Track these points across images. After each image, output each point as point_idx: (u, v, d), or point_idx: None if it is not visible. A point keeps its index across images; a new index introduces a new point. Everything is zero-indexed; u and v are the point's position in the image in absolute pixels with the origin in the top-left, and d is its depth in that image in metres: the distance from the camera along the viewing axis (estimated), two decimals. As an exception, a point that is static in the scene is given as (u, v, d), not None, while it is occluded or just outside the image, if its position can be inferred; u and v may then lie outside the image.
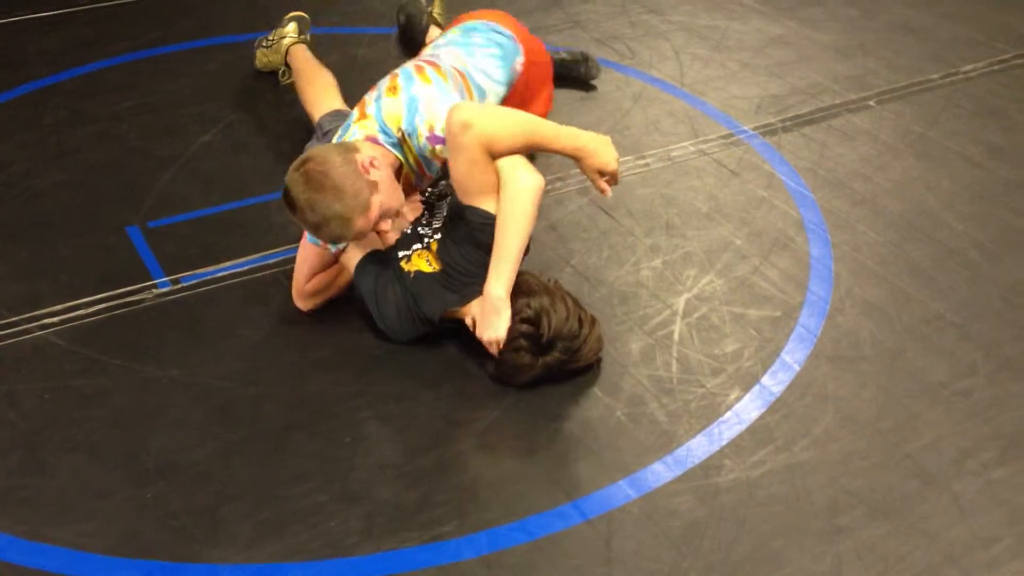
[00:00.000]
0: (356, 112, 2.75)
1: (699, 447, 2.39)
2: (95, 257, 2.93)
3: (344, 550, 2.13)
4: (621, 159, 3.41)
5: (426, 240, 2.65)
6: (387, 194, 2.53)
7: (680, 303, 2.84)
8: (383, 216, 2.54)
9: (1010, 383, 2.61)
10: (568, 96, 3.86)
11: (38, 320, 2.69)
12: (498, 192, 2.52)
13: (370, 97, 2.77)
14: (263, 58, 3.87)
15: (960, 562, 2.15)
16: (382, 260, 2.65)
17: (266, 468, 2.31)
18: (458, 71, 2.82)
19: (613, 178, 2.59)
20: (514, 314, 2.49)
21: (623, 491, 2.28)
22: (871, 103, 3.89)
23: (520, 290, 2.53)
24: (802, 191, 3.32)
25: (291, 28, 3.80)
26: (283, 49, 3.78)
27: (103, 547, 2.11)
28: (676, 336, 2.72)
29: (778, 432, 2.44)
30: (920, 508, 2.27)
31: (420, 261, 2.59)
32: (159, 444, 2.35)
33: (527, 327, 2.46)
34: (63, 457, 2.31)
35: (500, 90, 2.95)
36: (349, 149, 2.55)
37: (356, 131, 2.69)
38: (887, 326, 2.78)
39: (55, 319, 2.69)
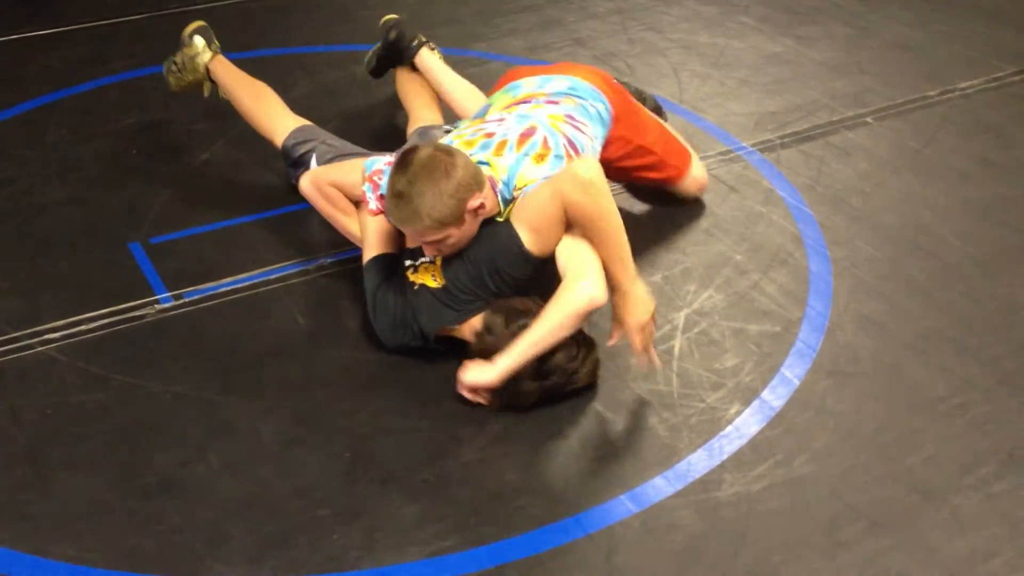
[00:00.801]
0: (489, 143, 2.68)
1: (700, 461, 2.40)
2: (97, 273, 2.94)
3: (346, 565, 2.13)
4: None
5: (423, 259, 2.62)
6: (461, 237, 2.50)
7: (680, 318, 2.85)
8: (441, 249, 2.52)
9: (1008, 398, 2.62)
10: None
11: (40, 336, 2.70)
12: (551, 241, 2.52)
13: (506, 136, 2.68)
14: (178, 82, 3.54)
15: (960, 576, 2.17)
16: (391, 264, 2.65)
17: (268, 483, 2.31)
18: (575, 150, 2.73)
19: (638, 337, 2.52)
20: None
21: (624, 506, 2.28)
22: (868, 120, 3.91)
23: (518, 314, 2.51)
24: (801, 207, 3.34)
25: (199, 43, 3.52)
26: (201, 67, 3.48)
27: (105, 562, 2.11)
28: (676, 351, 2.73)
29: (778, 446, 2.44)
30: (920, 522, 2.27)
31: (426, 275, 2.59)
32: (161, 459, 2.36)
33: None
34: (65, 472, 2.31)
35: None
36: (480, 183, 2.49)
37: (485, 164, 2.61)
38: (886, 341, 2.79)
39: (57, 335, 2.70)
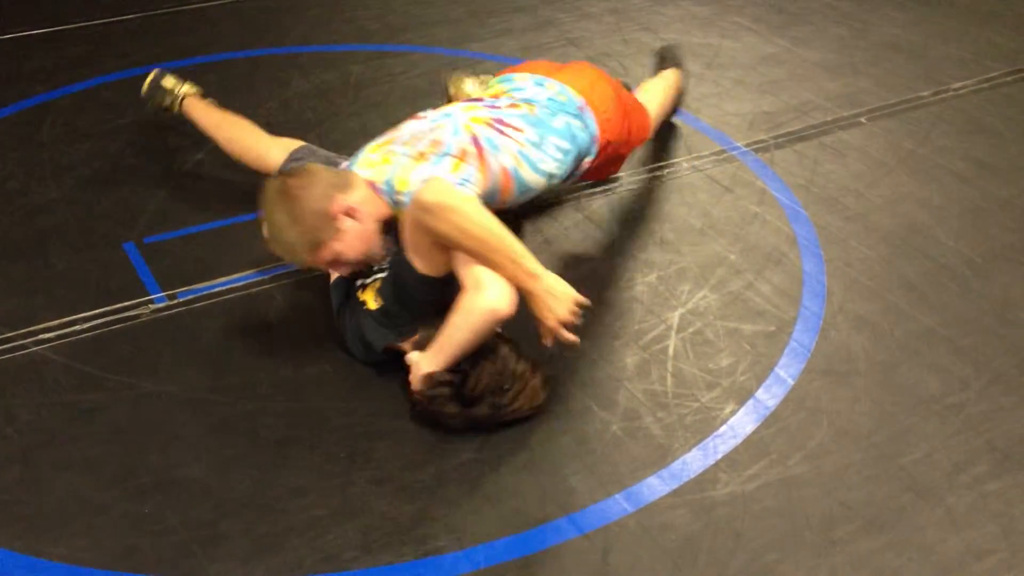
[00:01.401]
0: (385, 141, 2.64)
1: (694, 461, 2.41)
2: (91, 273, 2.93)
3: (341, 564, 2.13)
4: (615, 176, 3.45)
5: (375, 276, 2.58)
6: (349, 245, 2.47)
7: (675, 318, 2.85)
8: (337, 262, 2.52)
9: (1001, 397, 2.63)
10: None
11: (34, 336, 2.69)
12: (437, 261, 2.42)
13: (403, 137, 2.61)
14: (158, 89, 3.47)
15: (954, 574, 2.17)
16: (349, 282, 2.64)
17: (263, 483, 2.31)
18: (506, 172, 2.58)
19: (550, 334, 2.41)
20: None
21: (619, 505, 2.29)
22: (862, 120, 3.92)
23: None
24: (795, 207, 3.34)
25: (170, 83, 3.46)
26: (179, 95, 3.44)
27: (100, 562, 2.11)
28: (671, 351, 2.73)
29: (773, 446, 2.45)
30: (914, 521, 2.28)
31: (369, 295, 2.55)
32: (156, 459, 2.35)
33: (450, 377, 2.39)
34: (60, 472, 2.31)
35: (545, 183, 2.71)
36: (340, 186, 2.48)
37: (365, 169, 2.58)
38: (880, 341, 2.79)
39: (51, 334, 2.70)
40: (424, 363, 2.42)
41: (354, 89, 4.00)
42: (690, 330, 2.81)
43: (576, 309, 2.39)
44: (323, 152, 2.94)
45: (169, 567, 2.11)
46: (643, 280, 2.99)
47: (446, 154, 2.50)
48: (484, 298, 2.32)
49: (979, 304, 2.95)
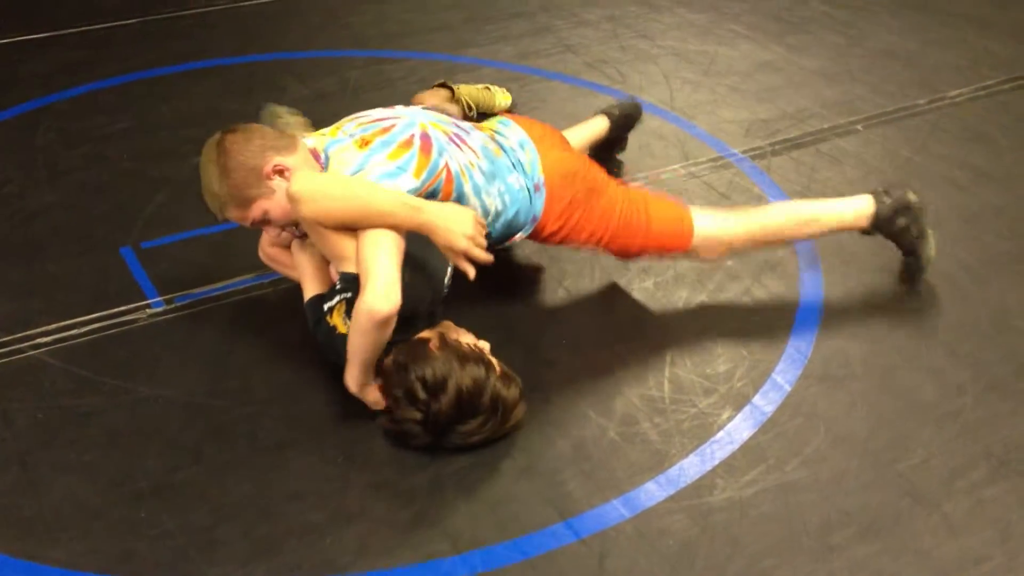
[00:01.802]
0: (350, 118, 2.65)
1: (691, 466, 2.41)
2: (89, 277, 2.93)
3: (339, 568, 2.13)
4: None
5: (340, 297, 2.50)
6: (278, 206, 2.47)
7: (672, 324, 2.85)
8: (266, 223, 2.53)
9: (999, 403, 2.63)
10: (557, 120, 3.89)
11: (31, 340, 2.69)
12: (349, 256, 2.41)
13: (364, 118, 2.62)
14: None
15: (951, 580, 2.17)
16: (320, 303, 2.57)
17: (261, 487, 2.31)
18: (450, 173, 2.55)
19: (469, 255, 2.39)
20: (404, 395, 2.36)
21: (616, 510, 2.29)
22: (858, 127, 3.93)
23: (416, 362, 2.37)
24: (791, 214, 3.35)
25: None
26: None
27: (98, 566, 2.11)
28: (668, 357, 2.74)
29: (770, 452, 2.45)
30: (911, 526, 2.28)
31: (338, 318, 2.49)
32: (153, 463, 2.35)
33: (415, 415, 2.35)
34: (57, 476, 2.31)
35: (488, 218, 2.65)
36: (278, 147, 2.48)
37: (312, 138, 2.58)
38: (876, 346, 2.80)
39: (49, 338, 2.70)
40: (346, 379, 2.43)
41: (352, 94, 4.00)
42: (686, 335, 2.81)
43: (477, 223, 2.41)
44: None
45: (166, 571, 2.10)
46: (640, 286, 3.00)
47: (390, 143, 2.51)
48: (362, 302, 2.30)
49: (976, 310, 2.95)
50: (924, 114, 4.04)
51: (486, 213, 2.63)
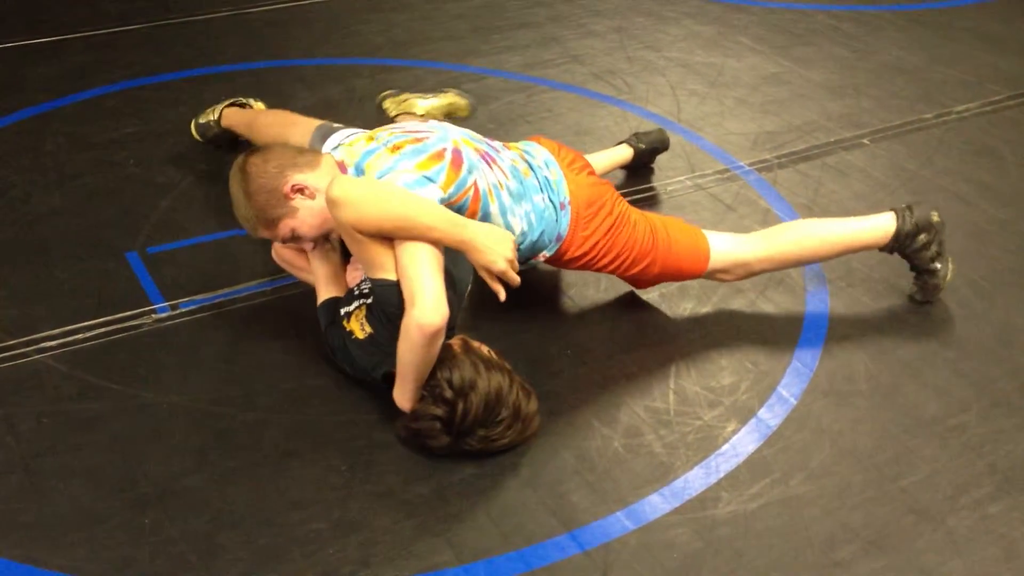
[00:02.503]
0: (384, 127, 2.65)
1: (696, 479, 2.40)
2: (94, 282, 2.93)
3: (341, 578, 2.13)
4: (619, 192, 3.45)
5: (359, 302, 2.54)
6: (303, 222, 2.52)
7: (677, 336, 2.85)
8: (297, 239, 2.57)
9: (1003, 419, 2.62)
10: (564, 130, 3.89)
11: (36, 344, 2.69)
12: (384, 261, 2.40)
13: (398, 128, 2.63)
14: (199, 123, 3.59)
15: (956, 597, 2.17)
16: (335, 306, 2.62)
17: (263, 495, 2.30)
18: (477, 190, 2.53)
19: (504, 277, 2.43)
20: (430, 393, 2.37)
21: (620, 522, 2.28)
22: (865, 141, 3.93)
23: (443, 364, 2.38)
24: (797, 227, 3.34)
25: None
26: (217, 111, 3.55)
27: (99, 572, 2.10)
28: (673, 368, 2.73)
29: (775, 465, 2.44)
30: (916, 543, 2.27)
31: (355, 324, 2.52)
32: (156, 469, 2.35)
33: (439, 411, 2.35)
34: (60, 481, 2.30)
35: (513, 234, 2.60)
36: (298, 165, 2.53)
37: (342, 150, 2.58)
38: (882, 361, 2.79)
39: (54, 343, 2.70)
40: (397, 398, 2.44)
41: (359, 103, 4.00)
42: (692, 348, 2.81)
43: (515, 246, 2.44)
44: (347, 130, 2.88)
45: (169, 578, 2.10)
46: (645, 297, 2.99)
47: (422, 152, 2.50)
48: (411, 317, 2.30)
49: (981, 326, 2.95)
50: (931, 128, 4.04)
51: (510, 230, 2.60)
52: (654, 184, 3.56)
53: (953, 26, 5.05)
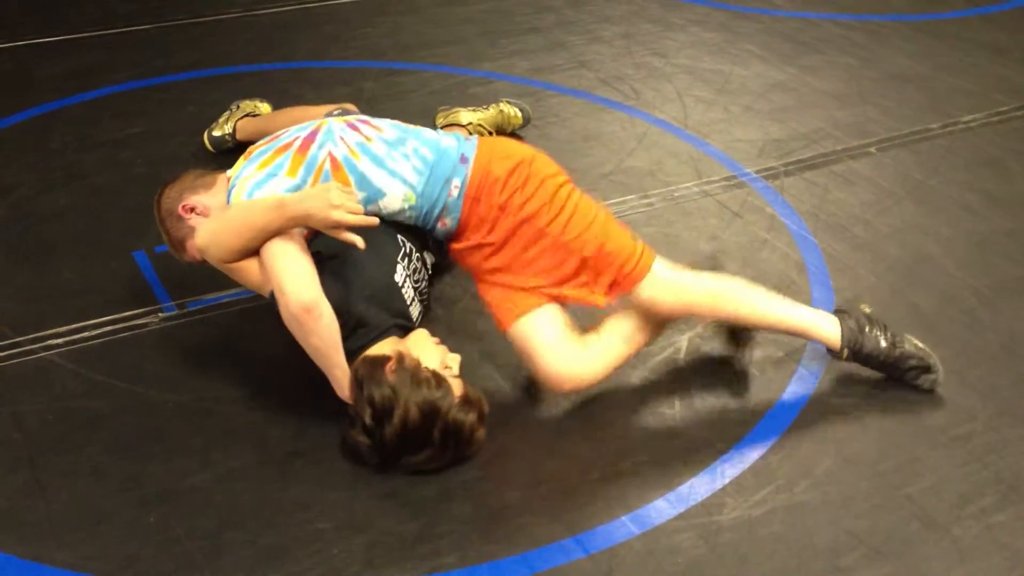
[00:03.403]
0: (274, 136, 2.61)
1: (701, 485, 2.40)
2: (101, 280, 2.94)
3: (346, 579, 2.13)
4: (624, 198, 3.47)
5: None
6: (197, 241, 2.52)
7: (683, 341, 2.85)
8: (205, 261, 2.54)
9: (1008, 429, 2.62)
10: (571, 135, 3.90)
11: (43, 341, 2.69)
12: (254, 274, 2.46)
13: (280, 136, 2.59)
14: (213, 136, 3.61)
15: (960, 606, 2.16)
16: None
17: (268, 495, 2.30)
18: (334, 160, 2.49)
19: (347, 224, 2.31)
20: (354, 414, 2.34)
21: (625, 527, 2.28)
22: (872, 150, 3.93)
23: (368, 380, 2.32)
24: (804, 234, 3.35)
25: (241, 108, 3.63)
26: (231, 124, 3.59)
27: (104, 570, 2.10)
28: (678, 374, 2.73)
29: (780, 472, 2.44)
30: (920, 551, 2.27)
31: None
32: (162, 468, 2.35)
33: (363, 436, 2.32)
34: (65, 479, 2.30)
35: (402, 191, 2.52)
36: (196, 187, 2.64)
37: (235, 166, 2.59)
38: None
39: (60, 340, 2.70)
40: (336, 389, 2.42)
41: (367, 105, 4.00)
42: (698, 354, 2.81)
43: (340, 191, 2.32)
44: (357, 117, 2.88)
45: (175, 575, 2.10)
46: (651, 303, 2.99)
47: (266, 151, 2.53)
48: (282, 309, 2.33)
49: (986, 335, 2.95)
50: (937, 138, 4.04)
51: (406, 183, 2.50)
52: (661, 190, 3.56)
53: (960, 36, 5.06)
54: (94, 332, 2.74)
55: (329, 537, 2.21)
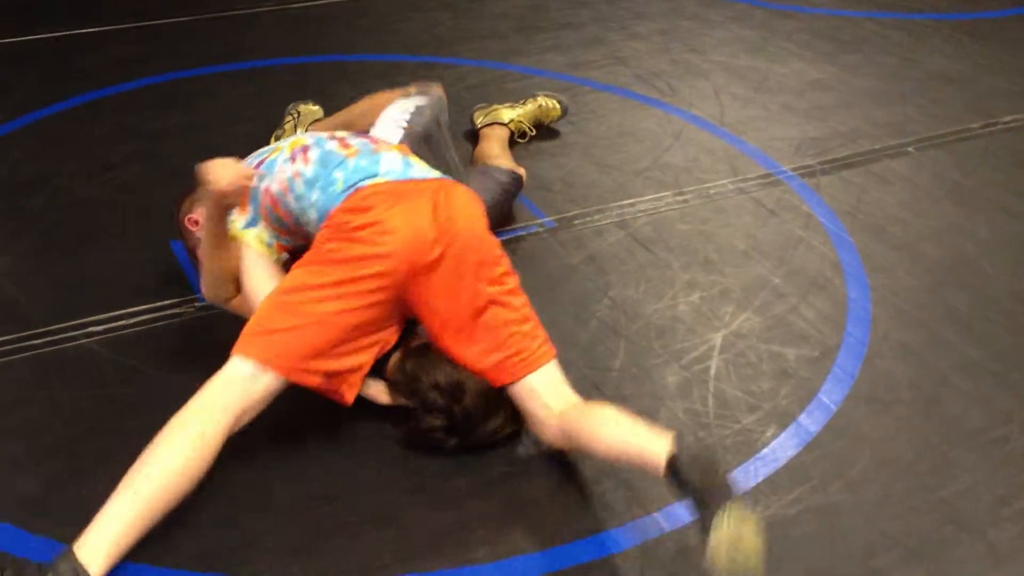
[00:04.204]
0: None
1: (734, 483, 2.38)
2: (138, 270, 2.95)
3: (374, 571, 2.13)
4: (659, 195, 3.45)
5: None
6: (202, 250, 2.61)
7: (717, 339, 2.83)
8: None
9: (1047, 433, 2.60)
10: (607, 131, 3.89)
11: (81, 329, 2.71)
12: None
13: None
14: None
15: (996, 610, 2.14)
16: None
17: (299, 486, 2.31)
18: (272, 198, 2.52)
19: (233, 186, 2.35)
20: (422, 405, 2.35)
21: (657, 523, 2.27)
22: (910, 149, 3.90)
23: (423, 368, 2.35)
24: (840, 233, 3.32)
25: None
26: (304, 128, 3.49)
27: (134, 557, 2.10)
28: (713, 371, 2.72)
29: (814, 472, 2.43)
30: (955, 553, 2.25)
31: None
32: (196, 457, 2.35)
33: (439, 421, 2.35)
34: (101, 465, 2.31)
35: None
36: (198, 198, 2.66)
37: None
38: (924, 371, 2.77)
39: (99, 328, 2.72)
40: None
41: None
42: (732, 352, 2.79)
43: (208, 169, 2.38)
44: (409, 103, 2.86)
45: (203, 564, 2.11)
46: (685, 300, 2.98)
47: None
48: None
49: (1025, 338, 2.92)
50: (977, 138, 4.00)
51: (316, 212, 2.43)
52: (696, 187, 3.55)
53: (1000, 36, 5.00)
54: (131, 320, 2.76)
55: (358, 529, 2.21)
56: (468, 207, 2.40)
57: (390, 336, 2.39)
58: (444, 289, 2.30)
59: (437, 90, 2.98)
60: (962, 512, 2.35)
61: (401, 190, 2.37)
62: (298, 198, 2.46)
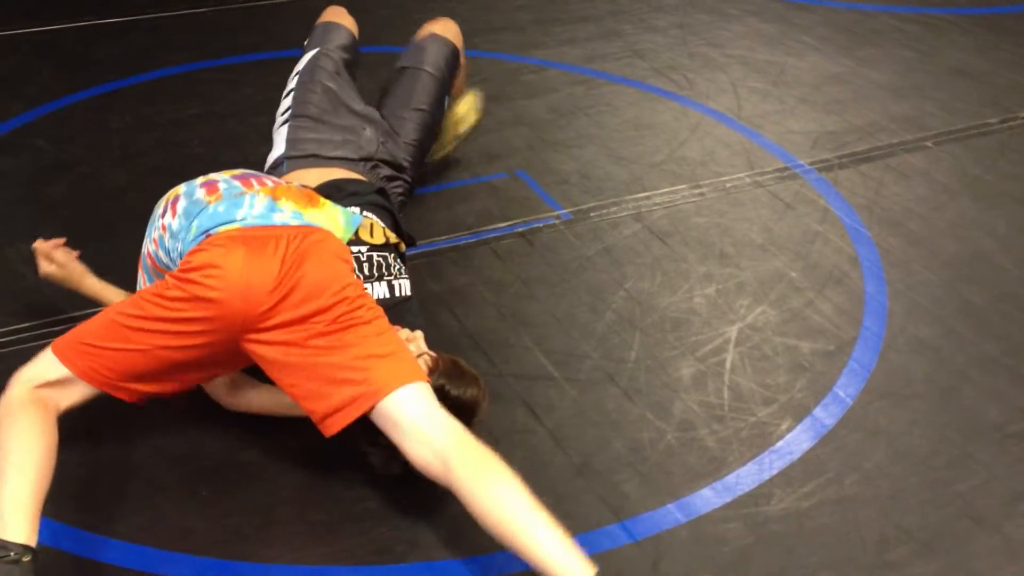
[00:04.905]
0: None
1: (749, 475, 2.39)
2: (157, 258, 2.97)
3: (393, 557, 2.14)
4: (675, 188, 3.46)
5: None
6: None
7: (733, 332, 2.84)
8: None
9: (1063, 428, 2.60)
10: (624, 124, 3.89)
11: (101, 316, 2.73)
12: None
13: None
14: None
15: (1010, 604, 2.15)
16: None
17: (320, 472, 2.33)
18: (150, 258, 2.47)
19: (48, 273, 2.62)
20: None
21: (672, 514, 2.28)
22: (928, 144, 3.89)
23: (454, 378, 2.26)
24: (857, 227, 3.32)
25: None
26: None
27: (156, 541, 2.13)
28: (728, 364, 2.73)
29: (829, 465, 2.43)
30: (970, 548, 2.25)
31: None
32: (216, 444, 2.38)
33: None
34: (122, 452, 2.34)
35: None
36: None
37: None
38: (940, 365, 2.77)
39: (117, 316, 2.73)
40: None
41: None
42: (748, 345, 2.80)
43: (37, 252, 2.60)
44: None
45: (224, 550, 2.13)
46: (702, 292, 2.99)
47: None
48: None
49: (1042, 334, 2.92)
50: (995, 133, 3.99)
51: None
52: (712, 180, 3.55)
53: (1019, 31, 4.99)
54: (150, 309, 2.77)
55: (378, 515, 2.23)
56: (323, 255, 2.23)
57: (230, 371, 2.37)
58: (281, 340, 2.15)
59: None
60: (977, 506, 2.35)
61: (251, 236, 2.23)
62: (166, 252, 2.38)
